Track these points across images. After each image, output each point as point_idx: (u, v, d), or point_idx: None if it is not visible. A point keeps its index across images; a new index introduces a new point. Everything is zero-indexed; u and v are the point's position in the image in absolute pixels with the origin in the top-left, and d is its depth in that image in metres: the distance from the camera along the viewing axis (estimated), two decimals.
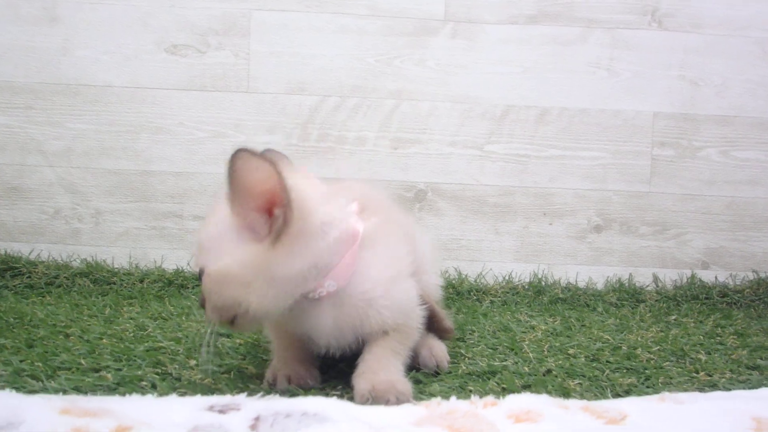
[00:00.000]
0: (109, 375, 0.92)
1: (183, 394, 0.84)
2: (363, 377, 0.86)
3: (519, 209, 1.89)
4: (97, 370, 0.96)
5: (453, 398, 0.79)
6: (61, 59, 1.83)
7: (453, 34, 1.86)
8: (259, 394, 0.77)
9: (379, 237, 0.90)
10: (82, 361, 0.99)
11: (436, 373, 1.01)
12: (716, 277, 1.88)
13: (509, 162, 1.89)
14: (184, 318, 1.39)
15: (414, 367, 1.01)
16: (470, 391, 0.92)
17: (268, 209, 0.80)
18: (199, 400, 0.74)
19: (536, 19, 1.87)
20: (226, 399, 0.74)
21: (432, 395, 0.88)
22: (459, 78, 1.87)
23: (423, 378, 0.98)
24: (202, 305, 0.86)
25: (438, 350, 1.04)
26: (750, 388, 0.98)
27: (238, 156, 0.77)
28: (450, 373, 1.01)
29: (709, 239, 1.90)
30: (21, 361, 0.98)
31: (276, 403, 0.72)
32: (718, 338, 1.36)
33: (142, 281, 1.74)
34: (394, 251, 0.92)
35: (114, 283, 1.72)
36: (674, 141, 1.89)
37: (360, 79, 1.86)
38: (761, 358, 1.18)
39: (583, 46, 1.87)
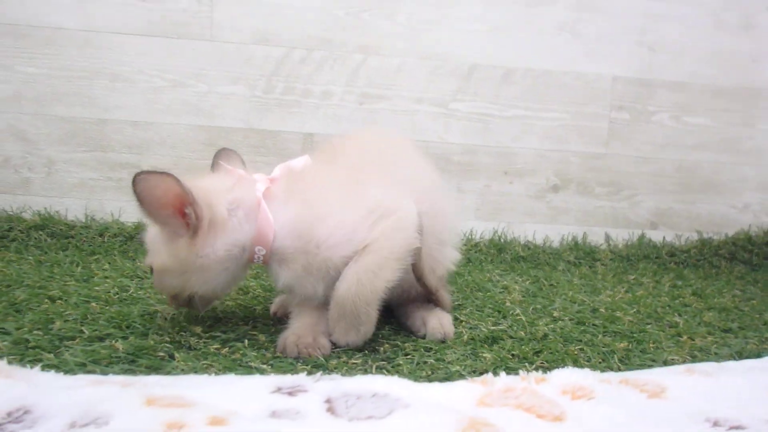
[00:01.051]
0: (118, 345, 0.90)
1: (207, 367, 0.85)
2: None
3: (481, 168, 1.93)
4: (101, 339, 0.93)
5: (502, 374, 0.81)
6: None
7: None
8: (318, 374, 0.79)
9: (294, 190, 0.98)
10: (83, 329, 0.95)
11: (442, 341, 1.03)
12: (664, 237, 1.98)
13: (473, 121, 1.91)
14: None
15: (420, 336, 1.04)
16: (484, 358, 0.94)
17: (180, 212, 0.92)
18: (263, 381, 0.75)
19: None
20: (287, 380, 0.75)
21: (450, 363, 0.91)
22: (427, 34, 1.87)
23: (433, 345, 0.99)
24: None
25: (446, 321, 1.07)
26: (735, 353, 1.05)
27: (138, 180, 0.88)
28: (456, 339, 1.04)
29: (658, 200, 2.00)
30: (17, 329, 0.94)
31: (340, 384, 0.73)
32: (681, 299, 1.45)
33: (101, 235, 1.68)
34: (317, 194, 0.98)
35: (72, 237, 1.66)
36: (630, 105, 1.96)
37: (328, 31, 1.83)
38: (729, 321, 1.27)
39: (550, 7, 1.90)
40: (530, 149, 1.94)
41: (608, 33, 1.92)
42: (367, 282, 0.92)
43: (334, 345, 0.96)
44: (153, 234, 0.98)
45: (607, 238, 1.98)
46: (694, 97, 1.97)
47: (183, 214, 0.92)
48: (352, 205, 0.96)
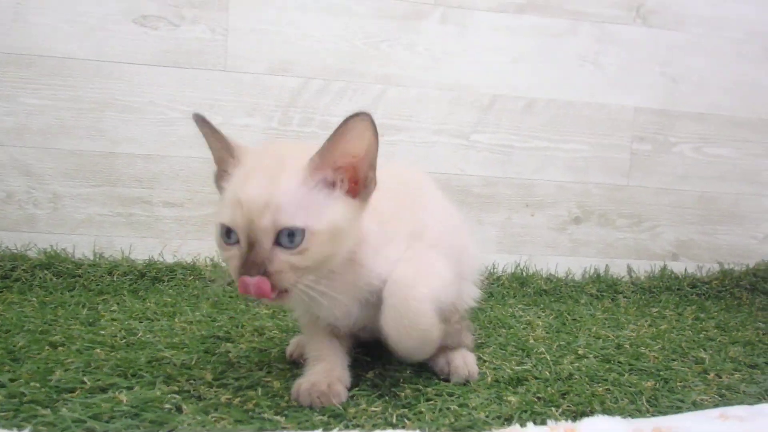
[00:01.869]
0: (121, 396, 0.83)
1: (217, 420, 0.79)
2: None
3: (502, 200, 1.88)
4: (104, 390, 0.87)
5: (530, 425, 0.76)
6: (12, 25, 1.64)
7: (443, 19, 1.81)
8: (335, 430, 0.74)
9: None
10: (85, 379, 0.89)
11: (466, 382, 0.99)
12: (685, 269, 1.95)
13: (494, 152, 1.87)
14: (175, 319, 1.29)
15: (444, 377, 1.00)
16: (509, 402, 0.90)
17: (353, 172, 0.84)
18: None
19: (525, 9, 1.84)
20: None
21: (474, 409, 0.86)
22: (448, 65, 1.83)
23: (456, 389, 0.95)
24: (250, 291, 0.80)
25: (470, 360, 1.03)
26: (765, 391, 1.02)
27: (361, 119, 0.80)
28: (480, 381, 1.00)
29: (679, 232, 1.97)
30: (12, 381, 0.87)
31: None
32: (705, 333, 1.43)
33: (110, 274, 1.60)
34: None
35: (80, 276, 1.58)
36: (652, 136, 1.94)
37: (346, 61, 1.78)
38: (755, 355, 1.24)
39: (572, 38, 1.87)
40: (551, 181, 1.90)
41: (630, 64, 1.90)
42: (425, 269, 0.89)
43: (352, 386, 0.92)
44: (298, 191, 0.81)
45: (629, 270, 1.95)
46: (716, 128, 1.95)
47: (353, 178, 0.84)
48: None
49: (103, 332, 1.15)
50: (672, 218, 1.97)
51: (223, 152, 0.88)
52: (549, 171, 1.90)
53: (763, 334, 1.44)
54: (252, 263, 0.78)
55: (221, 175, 0.88)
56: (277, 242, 0.79)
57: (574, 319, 1.50)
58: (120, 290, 1.53)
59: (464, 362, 1.01)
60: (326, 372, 0.91)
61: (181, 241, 1.74)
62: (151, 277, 1.62)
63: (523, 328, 1.37)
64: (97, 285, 1.55)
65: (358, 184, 0.85)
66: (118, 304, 1.40)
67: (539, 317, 1.49)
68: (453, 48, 1.82)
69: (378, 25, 1.78)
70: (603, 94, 1.89)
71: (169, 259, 1.71)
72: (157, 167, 1.73)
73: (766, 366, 1.18)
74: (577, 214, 1.92)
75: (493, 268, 1.85)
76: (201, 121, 0.89)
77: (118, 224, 1.72)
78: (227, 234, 0.82)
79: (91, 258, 1.67)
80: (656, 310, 1.66)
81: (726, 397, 0.99)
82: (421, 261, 0.91)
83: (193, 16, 1.71)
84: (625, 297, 1.80)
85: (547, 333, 1.33)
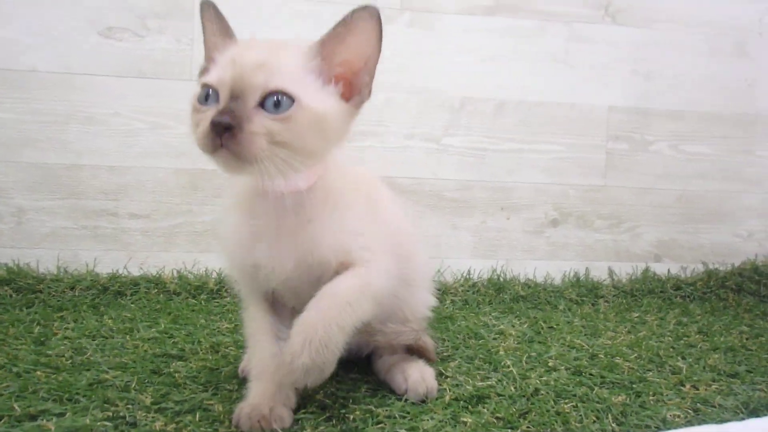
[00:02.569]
0: (50, 425, 0.79)
1: None
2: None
3: (477, 204, 1.85)
4: (34, 417, 0.82)
5: None
6: None
7: (410, 23, 1.80)
8: None
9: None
10: (16, 406, 0.84)
11: (424, 400, 0.94)
12: (669, 270, 1.90)
13: (466, 155, 1.84)
14: (130, 336, 1.25)
15: (401, 395, 0.96)
16: (465, 423, 0.86)
17: (347, 75, 0.81)
18: None
19: (494, 11, 1.83)
20: None
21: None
22: (416, 68, 1.81)
23: (410, 408, 0.90)
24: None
25: (428, 375, 0.98)
26: (742, 403, 0.97)
27: (369, 14, 0.78)
28: (436, 401, 0.94)
29: (661, 232, 1.93)
30: None
31: None
32: (686, 339, 1.38)
33: (72, 288, 1.57)
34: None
35: (41, 291, 1.54)
36: (627, 135, 1.90)
37: None
38: (736, 363, 1.20)
39: (541, 38, 1.85)
40: (527, 183, 1.86)
41: (601, 63, 1.87)
42: (355, 304, 0.82)
43: (300, 407, 0.87)
44: (296, 64, 0.79)
45: (611, 272, 1.90)
46: (693, 125, 1.92)
47: (349, 83, 0.82)
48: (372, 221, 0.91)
49: (50, 352, 1.11)
50: (652, 218, 1.92)
51: (219, 37, 0.85)
52: (524, 173, 1.86)
53: (747, 339, 1.39)
54: (230, 112, 0.73)
55: (208, 68, 0.84)
56: (261, 105, 0.75)
57: (550, 327, 1.45)
58: (80, 306, 1.48)
59: (422, 378, 0.96)
60: (270, 393, 0.85)
61: (147, 253, 1.71)
62: (114, 291, 1.58)
63: (494, 338, 1.32)
64: (58, 300, 1.51)
65: (352, 88, 0.83)
66: (75, 321, 1.35)
67: (513, 326, 1.44)
68: (421, 51, 1.80)
69: None
70: (575, 93, 1.87)
71: (136, 272, 1.67)
72: (122, 179, 1.70)
73: (746, 374, 1.13)
74: (554, 216, 1.88)
75: (469, 274, 1.80)
76: (206, 5, 0.86)
77: (84, 237, 1.69)
78: (205, 97, 0.78)
79: (55, 272, 1.64)
80: (637, 315, 1.60)
81: (700, 411, 0.95)
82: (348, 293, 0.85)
83: (158, 27, 1.70)
84: (606, 301, 1.75)
85: (518, 343, 1.29)
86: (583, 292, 1.78)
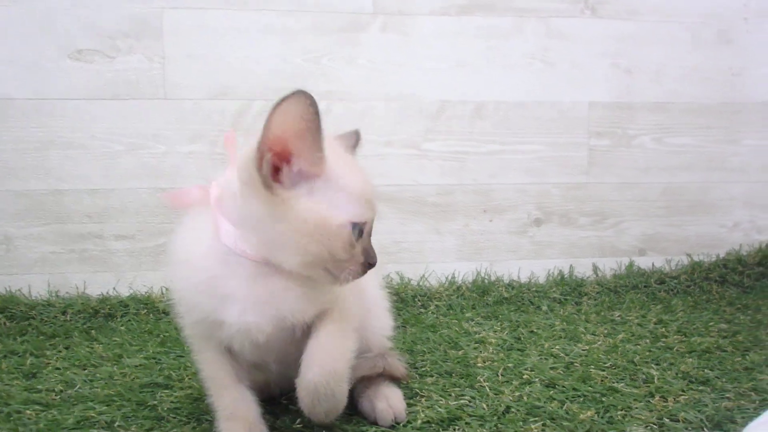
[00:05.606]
0: None
1: None
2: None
3: (459, 208, 1.85)
4: None
5: None
6: None
7: (383, 28, 1.77)
8: None
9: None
10: None
11: (395, 425, 0.96)
12: (653, 264, 1.91)
13: (447, 160, 1.83)
14: (115, 367, 1.29)
15: (371, 421, 0.97)
16: None
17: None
18: None
19: (469, 10, 1.79)
20: None
21: None
22: (392, 75, 1.79)
23: None
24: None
25: (395, 400, 0.98)
26: (706, 417, 0.98)
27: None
28: (408, 424, 0.96)
29: (645, 226, 1.92)
30: None
31: None
32: (664, 340, 1.39)
33: (64, 313, 1.60)
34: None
35: (33, 318, 1.58)
36: (609, 130, 1.88)
37: (287, 80, 1.74)
38: (709, 368, 1.20)
39: (518, 37, 1.81)
40: (509, 184, 1.86)
41: (580, 58, 1.84)
42: (339, 356, 0.86)
43: None
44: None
45: (595, 269, 1.91)
46: (675, 117, 1.89)
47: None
48: None
49: (40, 386, 1.14)
50: (636, 213, 1.92)
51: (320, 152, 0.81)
52: (505, 174, 1.86)
53: (724, 337, 1.39)
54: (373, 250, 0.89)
55: (279, 169, 0.81)
56: None
57: (531, 332, 1.46)
58: (71, 331, 1.52)
59: (388, 404, 0.97)
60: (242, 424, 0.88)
61: (135, 273, 1.74)
62: (104, 314, 1.62)
63: (474, 348, 1.34)
64: (50, 326, 1.55)
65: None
66: (66, 348, 1.39)
67: (494, 331, 1.46)
68: (396, 57, 1.78)
69: (317, 41, 1.74)
70: (554, 91, 1.84)
71: (125, 292, 1.71)
72: (105, 201, 1.72)
73: (716, 380, 1.13)
74: (538, 215, 1.88)
75: (453, 278, 1.82)
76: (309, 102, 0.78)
77: (72, 261, 1.73)
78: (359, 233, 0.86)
79: (47, 297, 1.68)
80: (619, 314, 1.60)
81: (665, 427, 0.95)
82: (338, 335, 0.88)
83: (128, 47, 1.69)
84: (590, 299, 1.76)
85: (497, 353, 1.30)
86: (567, 290, 1.79)
